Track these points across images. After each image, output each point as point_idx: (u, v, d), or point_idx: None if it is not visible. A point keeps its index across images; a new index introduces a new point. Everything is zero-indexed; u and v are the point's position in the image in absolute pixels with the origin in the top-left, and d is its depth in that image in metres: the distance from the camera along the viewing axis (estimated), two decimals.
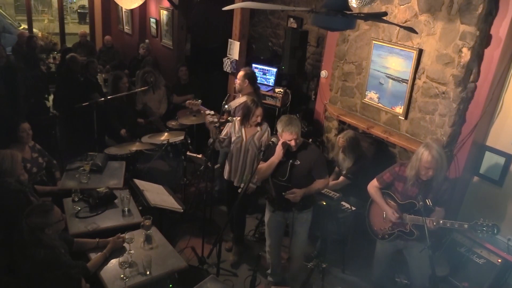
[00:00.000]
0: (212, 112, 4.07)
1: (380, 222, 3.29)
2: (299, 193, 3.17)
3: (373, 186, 3.32)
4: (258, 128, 3.75)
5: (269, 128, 3.81)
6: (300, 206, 3.32)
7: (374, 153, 4.37)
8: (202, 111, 4.38)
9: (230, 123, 3.82)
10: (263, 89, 5.56)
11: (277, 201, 3.35)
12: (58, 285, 2.67)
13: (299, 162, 3.21)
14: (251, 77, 4.39)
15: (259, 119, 3.71)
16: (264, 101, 5.15)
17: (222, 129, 3.98)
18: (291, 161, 3.20)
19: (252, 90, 4.40)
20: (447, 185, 3.08)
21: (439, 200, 3.04)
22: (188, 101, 4.43)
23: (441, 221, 2.92)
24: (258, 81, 5.13)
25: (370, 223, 3.40)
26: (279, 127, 3.14)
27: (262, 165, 3.29)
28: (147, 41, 8.92)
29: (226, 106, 4.06)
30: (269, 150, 3.23)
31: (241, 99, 4.19)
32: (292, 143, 3.13)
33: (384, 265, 3.46)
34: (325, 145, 5.11)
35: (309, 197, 3.34)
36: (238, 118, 3.82)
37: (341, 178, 4.04)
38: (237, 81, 4.43)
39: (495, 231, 2.79)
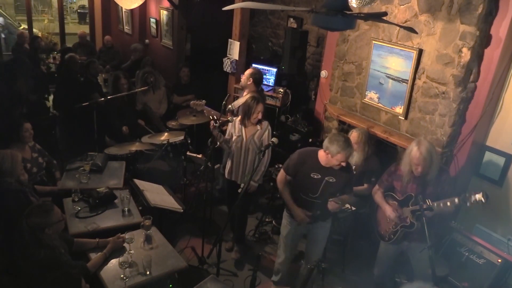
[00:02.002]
0: (215, 117, 4.06)
1: (385, 224, 3.32)
2: (340, 205, 3.13)
3: (375, 190, 3.39)
4: (258, 127, 3.75)
5: (269, 127, 3.81)
6: (326, 216, 3.31)
7: (374, 153, 4.37)
8: (206, 112, 4.38)
9: (231, 123, 3.82)
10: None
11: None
12: (58, 285, 2.67)
13: (334, 180, 3.12)
14: (256, 79, 4.39)
15: (260, 116, 3.69)
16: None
17: (224, 129, 3.99)
18: (326, 178, 3.11)
19: (255, 90, 4.41)
20: (445, 176, 3.10)
21: (440, 194, 3.04)
22: (192, 102, 4.43)
23: (435, 204, 2.93)
24: None
25: (377, 228, 3.42)
26: (334, 148, 2.93)
27: (283, 190, 3.27)
28: (147, 41, 8.92)
29: (229, 106, 4.05)
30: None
31: (244, 99, 4.20)
32: (343, 164, 3.01)
33: (386, 267, 3.47)
34: None
35: None
36: (239, 117, 3.82)
37: (366, 185, 3.93)
38: (243, 77, 4.45)
39: (485, 196, 2.77)
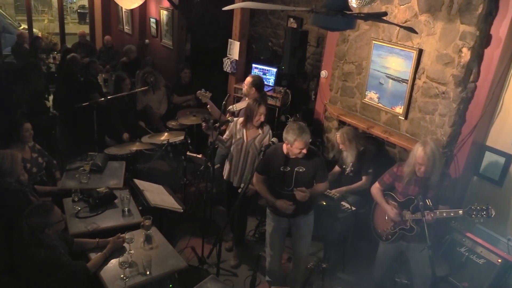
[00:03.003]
0: (207, 118, 4.05)
1: (383, 223, 3.32)
2: (308, 192, 3.13)
3: (375, 188, 3.39)
4: (260, 131, 3.75)
5: (270, 131, 3.80)
6: (307, 209, 3.33)
7: (366, 145, 4.36)
8: (209, 106, 4.37)
9: (231, 123, 3.82)
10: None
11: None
12: (58, 285, 2.67)
13: (304, 169, 3.16)
14: (258, 85, 4.36)
15: (262, 118, 3.69)
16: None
17: (223, 129, 3.98)
18: (296, 169, 3.15)
19: (258, 96, 4.38)
20: (448, 181, 3.10)
21: (441, 198, 3.05)
22: (198, 92, 4.39)
23: (437, 212, 2.95)
24: None
25: (375, 226, 3.42)
26: (290, 136, 3.01)
27: (260, 188, 3.30)
28: (147, 41, 8.92)
29: (230, 107, 4.04)
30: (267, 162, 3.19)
31: (245, 103, 4.18)
32: (304, 151, 3.05)
33: (386, 267, 3.47)
34: (325, 145, 5.11)
35: (313, 199, 3.34)
36: (240, 119, 3.81)
37: (364, 178, 3.99)
38: (245, 87, 4.39)
39: (490, 214, 2.79)
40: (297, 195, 3.11)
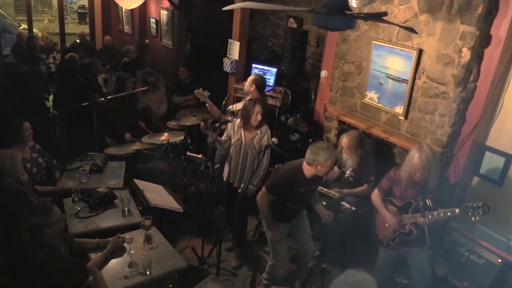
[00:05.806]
0: (206, 118, 4.07)
1: (384, 230, 3.32)
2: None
3: (374, 194, 3.38)
4: (258, 131, 3.74)
5: (269, 131, 3.80)
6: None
7: (375, 153, 4.37)
8: (208, 105, 4.37)
9: (230, 123, 3.82)
10: None
11: (291, 217, 3.40)
12: (58, 285, 2.66)
13: (315, 184, 3.27)
14: (259, 85, 4.36)
15: (259, 117, 3.68)
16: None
17: (223, 129, 3.98)
18: (311, 186, 3.21)
19: (258, 97, 4.38)
20: (445, 184, 3.10)
21: (439, 199, 3.05)
22: (196, 90, 4.40)
23: (435, 213, 2.93)
24: None
25: (376, 233, 3.41)
26: (322, 157, 2.95)
27: (266, 210, 3.24)
28: (147, 41, 8.92)
29: (230, 107, 4.05)
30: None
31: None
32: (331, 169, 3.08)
33: (386, 272, 3.46)
34: None
35: None
36: (238, 120, 3.81)
37: (366, 185, 3.97)
38: (246, 84, 4.43)
39: (486, 210, 2.77)
40: (324, 220, 3.36)
